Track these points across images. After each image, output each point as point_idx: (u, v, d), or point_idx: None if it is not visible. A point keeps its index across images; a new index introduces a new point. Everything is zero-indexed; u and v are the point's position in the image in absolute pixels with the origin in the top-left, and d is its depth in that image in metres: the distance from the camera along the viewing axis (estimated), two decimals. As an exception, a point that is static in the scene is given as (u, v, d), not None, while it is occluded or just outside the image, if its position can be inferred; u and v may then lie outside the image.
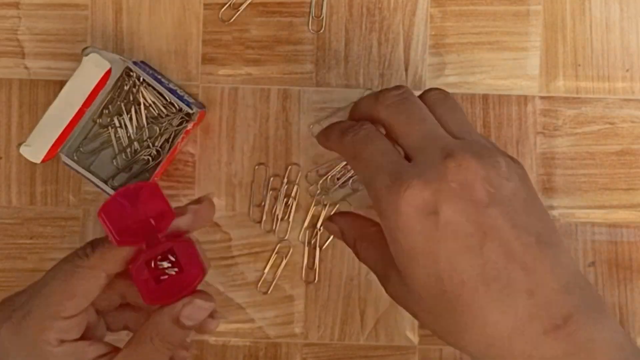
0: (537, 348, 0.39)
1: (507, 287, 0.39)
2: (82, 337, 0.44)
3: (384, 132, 0.45)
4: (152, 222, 0.42)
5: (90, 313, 0.45)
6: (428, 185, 0.40)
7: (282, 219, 0.55)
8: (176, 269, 0.42)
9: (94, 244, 0.44)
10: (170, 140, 0.53)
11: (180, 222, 0.44)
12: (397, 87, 0.45)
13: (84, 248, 0.44)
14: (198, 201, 0.45)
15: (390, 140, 0.44)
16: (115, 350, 0.44)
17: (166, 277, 0.42)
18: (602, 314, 0.40)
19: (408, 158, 0.43)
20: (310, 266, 0.55)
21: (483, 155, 0.41)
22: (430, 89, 0.46)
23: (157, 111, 0.53)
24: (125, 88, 0.53)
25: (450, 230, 0.39)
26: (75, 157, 0.53)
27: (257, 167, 0.55)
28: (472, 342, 0.40)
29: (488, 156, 0.41)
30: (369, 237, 0.46)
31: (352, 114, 0.48)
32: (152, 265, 0.42)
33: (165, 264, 0.42)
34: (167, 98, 0.52)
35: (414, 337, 0.55)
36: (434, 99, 0.45)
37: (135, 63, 0.52)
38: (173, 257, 0.42)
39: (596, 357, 0.38)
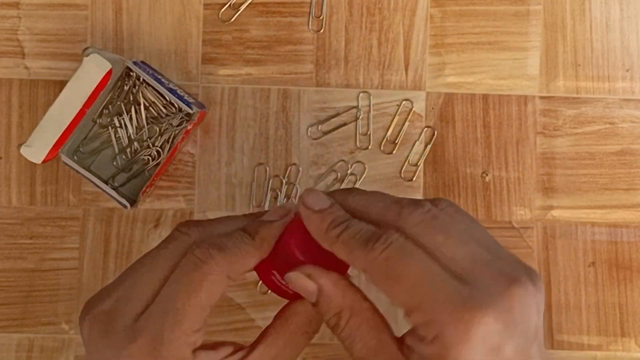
0: None
1: None
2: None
3: None
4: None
5: None
6: (499, 317, 0.35)
7: (282, 219, 0.55)
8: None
9: (211, 247, 0.39)
10: (170, 140, 0.53)
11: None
12: (421, 204, 0.38)
13: (202, 251, 0.39)
14: None
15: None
16: (240, 347, 0.41)
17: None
18: None
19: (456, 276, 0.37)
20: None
21: (534, 277, 0.37)
22: (439, 200, 0.39)
23: (157, 111, 0.53)
24: (125, 88, 0.53)
25: None
26: (75, 157, 0.53)
27: (257, 167, 0.55)
28: None
29: (536, 275, 0.37)
30: (361, 313, 0.39)
31: (357, 204, 0.40)
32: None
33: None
34: (167, 98, 0.52)
35: (414, 337, 0.55)
36: (449, 216, 0.39)
37: (135, 63, 0.52)
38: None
39: None
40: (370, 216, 0.39)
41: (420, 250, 0.37)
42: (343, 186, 0.55)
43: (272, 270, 0.41)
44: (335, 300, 0.39)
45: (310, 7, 0.55)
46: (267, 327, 0.42)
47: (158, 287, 0.39)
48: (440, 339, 0.35)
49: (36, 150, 0.50)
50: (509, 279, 0.36)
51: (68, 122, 0.50)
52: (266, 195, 0.55)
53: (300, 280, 0.39)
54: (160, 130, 0.53)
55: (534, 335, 0.36)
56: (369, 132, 0.55)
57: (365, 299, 0.39)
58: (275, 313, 0.55)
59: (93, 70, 0.50)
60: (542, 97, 0.55)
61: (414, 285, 0.36)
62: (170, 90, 0.51)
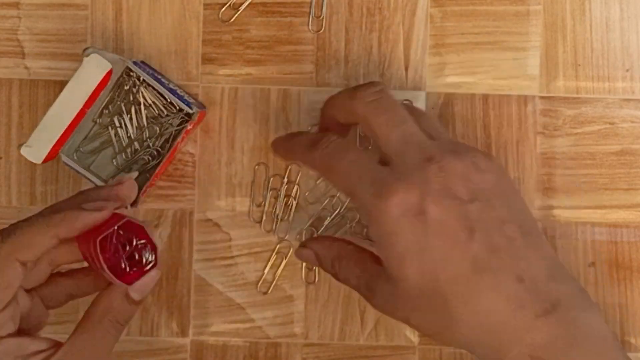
0: (529, 332, 0.40)
1: (496, 276, 0.41)
2: (21, 329, 0.42)
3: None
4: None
5: (22, 298, 0.43)
6: (412, 188, 0.41)
7: (282, 219, 0.55)
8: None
9: (2, 234, 0.42)
10: (170, 140, 0.53)
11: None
12: (374, 84, 0.46)
13: None
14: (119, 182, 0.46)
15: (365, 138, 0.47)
16: (58, 345, 0.42)
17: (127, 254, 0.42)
18: (589, 304, 0.42)
19: (385, 160, 0.44)
20: (310, 267, 0.55)
21: (461, 153, 0.43)
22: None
23: (157, 111, 0.53)
24: (125, 88, 0.53)
25: (438, 228, 0.41)
26: (75, 157, 0.53)
27: (257, 167, 0.55)
28: (466, 334, 0.41)
29: (466, 153, 0.43)
30: (347, 255, 0.47)
31: (327, 110, 0.49)
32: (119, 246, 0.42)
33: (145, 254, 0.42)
34: (167, 98, 0.52)
35: (413, 337, 0.55)
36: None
37: (135, 63, 0.52)
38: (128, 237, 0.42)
39: (584, 344, 0.40)
40: (337, 111, 0.47)
41: (352, 144, 0.47)
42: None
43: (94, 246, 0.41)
44: (328, 255, 0.47)
45: (310, 7, 0.55)
46: (80, 321, 0.43)
47: None
48: (371, 219, 0.43)
49: (36, 150, 0.50)
50: (426, 157, 0.42)
51: (68, 122, 0.50)
52: (266, 194, 0.55)
53: (303, 253, 0.49)
54: (160, 130, 0.53)
55: (468, 198, 0.41)
56: (369, 132, 0.55)
57: (349, 242, 0.48)
58: (275, 313, 0.55)
59: (93, 70, 0.50)
60: (542, 97, 0.55)
61: (346, 174, 0.44)
62: (170, 90, 0.51)
